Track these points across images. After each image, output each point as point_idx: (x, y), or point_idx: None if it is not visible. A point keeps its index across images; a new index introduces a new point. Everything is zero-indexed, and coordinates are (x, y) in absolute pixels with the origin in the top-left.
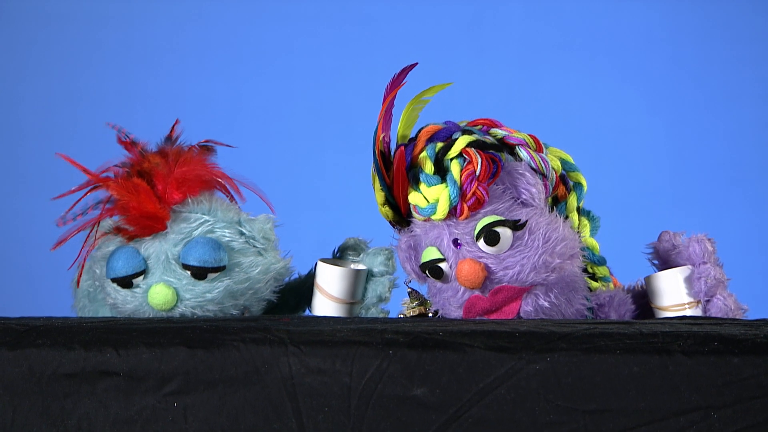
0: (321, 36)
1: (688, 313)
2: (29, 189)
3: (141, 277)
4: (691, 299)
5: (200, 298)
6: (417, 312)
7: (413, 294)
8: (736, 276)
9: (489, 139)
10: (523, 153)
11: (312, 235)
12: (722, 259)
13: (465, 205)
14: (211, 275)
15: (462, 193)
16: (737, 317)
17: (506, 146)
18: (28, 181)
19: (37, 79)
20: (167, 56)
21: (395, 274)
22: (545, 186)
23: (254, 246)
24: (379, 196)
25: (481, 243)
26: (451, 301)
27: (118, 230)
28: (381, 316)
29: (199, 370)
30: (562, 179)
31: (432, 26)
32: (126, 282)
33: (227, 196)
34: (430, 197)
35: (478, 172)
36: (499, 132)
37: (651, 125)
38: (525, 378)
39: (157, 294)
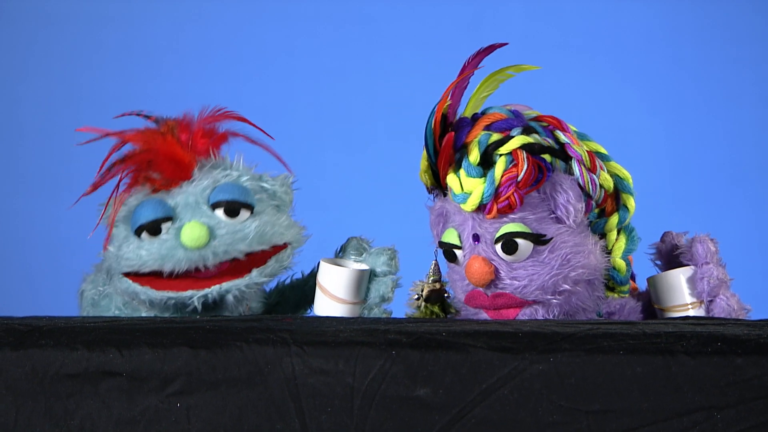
0: (321, 36)
1: (691, 313)
2: (29, 189)
3: (169, 223)
4: (694, 300)
5: (233, 234)
6: (435, 287)
7: (435, 267)
8: (737, 276)
9: (548, 141)
10: (576, 169)
11: (312, 235)
12: (723, 260)
13: (495, 206)
14: (243, 212)
15: (497, 194)
16: (740, 317)
17: (564, 153)
18: (28, 181)
19: (38, 79)
20: (168, 56)
21: (398, 273)
22: (588, 205)
23: (275, 202)
24: (423, 162)
25: (498, 247)
26: (458, 284)
27: (145, 179)
28: (384, 316)
29: (202, 371)
30: (614, 195)
31: (432, 26)
32: (155, 227)
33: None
34: (466, 187)
35: (519, 178)
36: (562, 137)
37: (651, 125)
38: (528, 378)
39: (191, 229)
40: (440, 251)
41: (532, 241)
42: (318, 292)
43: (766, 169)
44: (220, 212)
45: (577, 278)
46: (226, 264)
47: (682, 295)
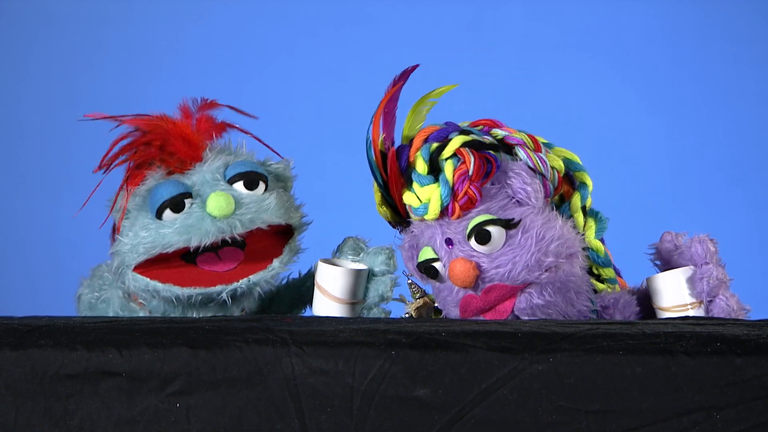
0: (321, 36)
1: (691, 313)
2: (29, 189)
3: (191, 199)
4: (694, 300)
5: (257, 203)
6: (422, 303)
7: (414, 287)
8: (737, 276)
9: (488, 139)
10: (521, 153)
11: (312, 235)
12: (723, 260)
13: (457, 205)
14: (260, 185)
15: (454, 193)
16: (740, 318)
17: (505, 146)
18: (28, 181)
19: (38, 80)
20: (168, 56)
21: (396, 272)
22: (544, 185)
23: (281, 184)
24: (377, 195)
25: (473, 242)
26: (447, 300)
27: (160, 161)
28: (383, 315)
29: (201, 371)
30: (567, 179)
31: (432, 26)
32: (178, 202)
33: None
34: (423, 197)
35: (470, 172)
36: (499, 132)
37: (651, 125)
38: (528, 378)
39: (218, 197)
40: (413, 278)
41: (502, 227)
42: (317, 292)
43: (766, 169)
44: (239, 185)
45: (558, 251)
46: (258, 232)
47: (681, 295)
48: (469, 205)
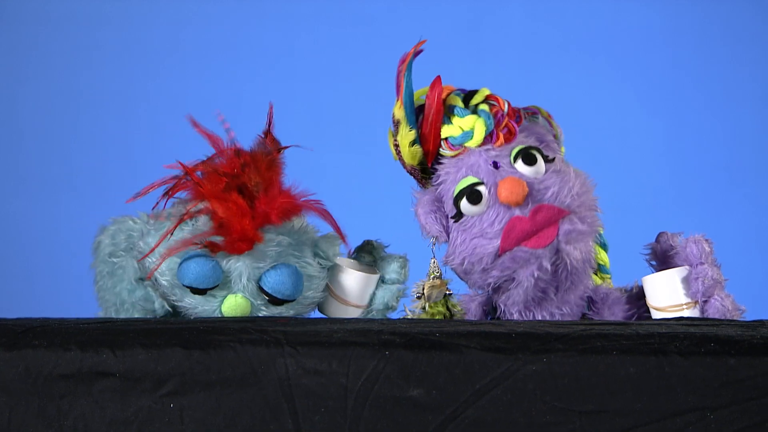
0: (321, 37)
1: (686, 313)
2: (29, 190)
3: (217, 288)
4: (689, 300)
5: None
6: (439, 282)
7: (434, 265)
8: (734, 277)
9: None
10: (540, 119)
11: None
12: (720, 260)
13: (500, 133)
14: (286, 304)
15: (495, 123)
16: (735, 318)
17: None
18: (27, 182)
19: (37, 80)
20: (167, 57)
21: (406, 283)
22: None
23: (323, 266)
24: (408, 136)
25: (519, 164)
26: (487, 232)
27: (210, 245)
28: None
29: (195, 371)
30: None
31: (432, 27)
32: (201, 291)
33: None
34: (465, 126)
35: (506, 110)
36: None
37: (650, 126)
38: (521, 379)
39: (236, 305)
40: (437, 247)
41: (542, 157)
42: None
43: (764, 170)
44: (262, 296)
45: (593, 196)
46: None
47: (676, 295)
48: (509, 137)
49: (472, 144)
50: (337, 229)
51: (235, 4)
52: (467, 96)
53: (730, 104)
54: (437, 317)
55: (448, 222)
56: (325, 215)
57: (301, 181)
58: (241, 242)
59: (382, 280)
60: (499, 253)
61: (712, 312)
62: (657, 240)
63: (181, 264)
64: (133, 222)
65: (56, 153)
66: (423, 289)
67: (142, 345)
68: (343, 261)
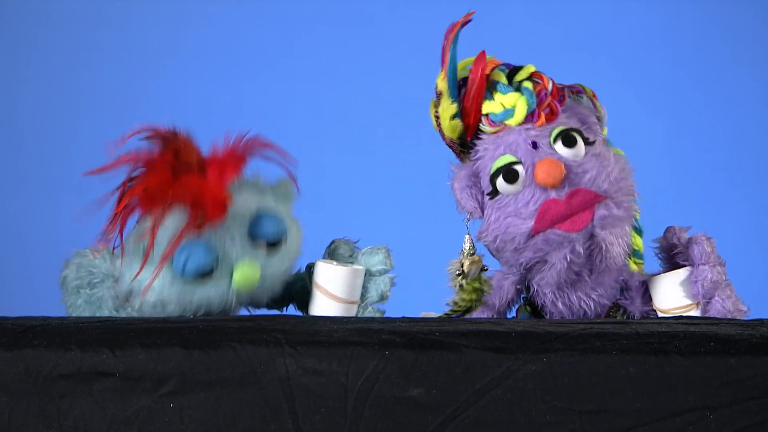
0: (321, 37)
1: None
2: (28, 190)
3: (219, 268)
4: (691, 302)
5: (278, 273)
6: (477, 258)
7: (469, 242)
8: (734, 276)
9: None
10: (584, 99)
11: (310, 236)
12: (723, 259)
13: (542, 112)
14: (282, 245)
15: (538, 102)
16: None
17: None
18: (27, 182)
19: (37, 81)
20: (167, 57)
21: (396, 273)
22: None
23: (287, 205)
24: (450, 109)
25: (558, 145)
26: (521, 212)
27: (192, 227)
28: (377, 315)
29: (195, 371)
30: None
31: (432, 27)
32: (208, 274)
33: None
34: (507, 103)
35: (549, 90)
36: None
37: (650, 126)
38: (521, 378)
39: (245, 271)
40: (471, 221)
41: (583, 140)
42: (315, 293)
43: (765, 170)
44: (261, 247)
45: (631, 182)
46: None
47: (679, 297)
48: (551, 117)
49: (512, 122)
50: (282, 153)
51: (235, 4)
52: (511, 72)
53: (730, 104)
54: (472, 294)
55: (483, 198)
56: (265, 145)
57: (300, 181)
58: (215, 207)
59: (369, 274)
60: (532, 234)
61: (714, 313)
62: (665, 235)
63: (175, 262)
64: (93, 257)
65: (56, 153)
66: (462, 266)
67: (141, 345)
68: (323, 262)
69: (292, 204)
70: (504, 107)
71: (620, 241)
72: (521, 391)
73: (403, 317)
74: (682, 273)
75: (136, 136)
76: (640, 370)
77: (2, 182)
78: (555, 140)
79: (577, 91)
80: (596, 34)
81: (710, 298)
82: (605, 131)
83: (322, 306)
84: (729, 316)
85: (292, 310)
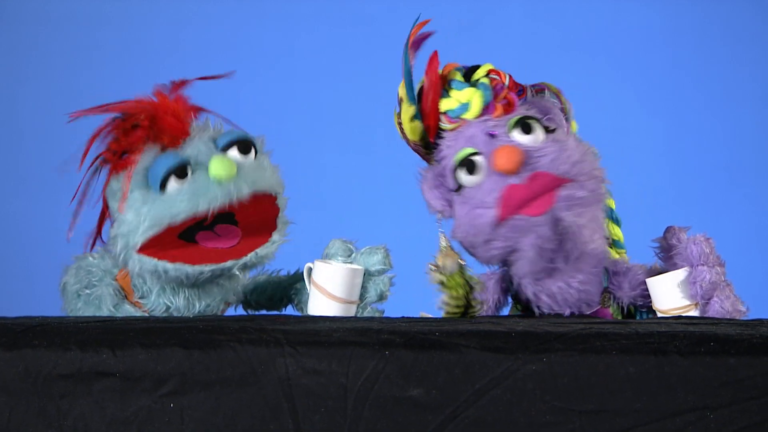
0: (321, 37)
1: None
2: (28, 190)
3: (190, 168)
4: (689, 302)
5: (255, 168)
6: (451, 253)
7: (443, 237)
8: (734, 276)
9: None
10: (547, 94)
11: (310, 236)
12: (723, 259)
13: (498, 104)
14: (252, 151)
15: (494, 94)
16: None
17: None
18: (26, 182)
19: (37, 80)
20: (167, 57)
21: (395, 273)
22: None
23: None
24: (408, 111)
25: (516, 133)
26: (485, 201)
27: (151, 140)
28: (376, 315)
29: (195, 371)
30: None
31: (432, 27)
32: (182, 170)
33: None
34: (463, 98)
35: (506, 83)
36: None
37: (650, 126)
38: (521, 378)
39: (220, 161)
40: (443, 221)
41: (542, 127)
42: (315, 292)
43: (764, 170)
44: (233, 151)
45: (593, 164)
46: (254, 203)
47: (678, 298)
48: (509, 108)
49: (469, 116)
50: (211, 77)
51: (235, 4)
52: (469, 71)
53: (730, 104)
54: (458, 290)
55: (451, 196)
56: (189, 81)
57: (300, 182)
58: (175, 119)
59: (367, 273)
60: (497, 222)
61: (712, 314)
62: (664, 235)
63: (148, 176)
64: (92, 258)
65: (56, 153)
66: (438, 261)
67: (141, 345)
68: (322, 262)
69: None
70: (460, 102)
71: (591, 224)
72: (521, 391)
73: (403, 317)
74: (681, 274)
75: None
76: (639, 370)
77: (2, 182)
78: (513, 128)
79: (539, 89)
80: (596, 34)
81: (709, 299)
82: (574, 125)
83: (321, 306)
84: (727, 317)
85: (290, 310)
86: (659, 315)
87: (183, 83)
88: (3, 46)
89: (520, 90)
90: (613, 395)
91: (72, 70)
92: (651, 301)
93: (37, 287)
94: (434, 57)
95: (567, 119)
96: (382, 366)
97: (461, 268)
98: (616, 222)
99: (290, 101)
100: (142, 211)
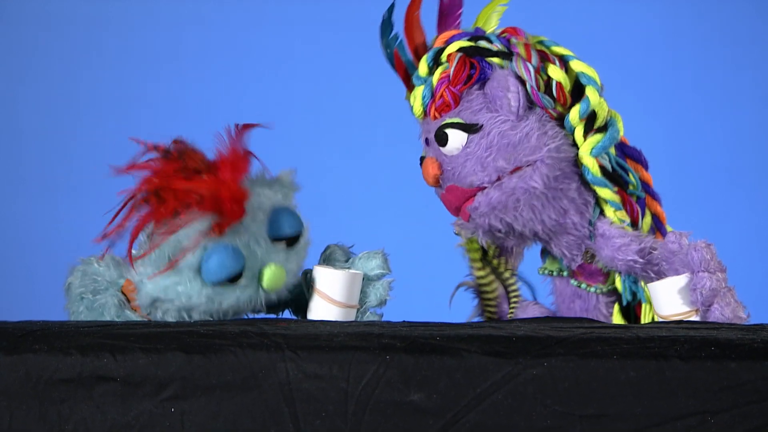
0: (321, 40)
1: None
2: (29, 192)
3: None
4: (689, 309)
5: (296, 265)
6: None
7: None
8: (735, 280)
9: (496, 46)
10: (514, 61)
11: (311, 239)
12: (724, 264)
13: (433, 106)
14: (300, 241)
15: (433, 95)
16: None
17: (510, 54)
18: (27, 185)
19: (37, 83)
20: (168, 60)
21: (395, 277)
22: (535, 96)
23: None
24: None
25: (436, 143)
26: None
27: (214, 227)
28: (376, 319)
29: (196, 376)
30: (575, 92)
31: (432, 28)
32: (237, 278)
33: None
34: (412, 98)
35: (450, 76)
36: (513, 40)
37: (650, 128)
38: (522, 383)
39: (274, 274)
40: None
41: (463, 130)
42: (316, 298)
43: (765, 173)
44: (280, 244)
45: (512, 157)
46: None
47: (678, 304)
48: (445, 108)
49: (415, 115)
50: (257, 126)
51: (235, 8)
52: (437, 53)
53: (731, 107)
54: (475, 254)
55: None
56: (249, 127)
57: (300, 185)
58: (234, 204)
59: (366, 278)
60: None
61: (712, 321)
62: (665, 240)
63: (202, 267)
64: (98, 264)
65: (56, 155)
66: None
67: (142, 349)
68: (322, 267)
69: (294, 194)
70: (411, 103)
71: (531, 215)
72: (522, 395)
73: (404, 321)
74: (681, 280)
75: (139, 157)
76: (640, 374)
77: (2, 185)
78: (435, 137)
79: (514, 51)
80: (596, 37)
81: (709, 306)
82: (557, 73)
83: (321, 310)
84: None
85: (287, 313)
86: (660, 320)
87: (240, 138)
88: (3, 48)
89: (471, 73)
90: (614, 399)
91: (72, 72)
92: (639, 273)
93: (37, 291)
94: (397, 59)
95: (538, 79)
96: (382, 370)
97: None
98: (595, 183)
99: (290, 105)
100: (177, 289)
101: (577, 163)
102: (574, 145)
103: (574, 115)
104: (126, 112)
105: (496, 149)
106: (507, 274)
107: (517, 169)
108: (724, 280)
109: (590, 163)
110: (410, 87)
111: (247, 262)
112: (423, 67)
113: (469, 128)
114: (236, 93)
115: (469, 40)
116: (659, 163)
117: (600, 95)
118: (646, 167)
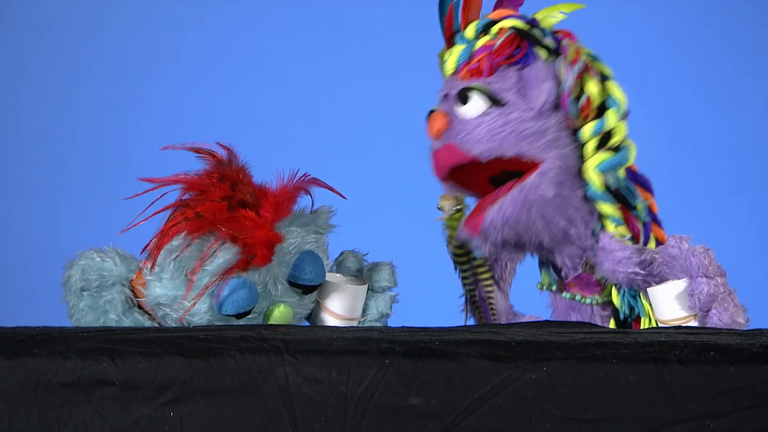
0: (321, 44)
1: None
2: (29, 197)
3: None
4: (687, 313)
5: (307, 309)
6: (450, 197)
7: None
8: (735, 284)
9: (547, 41)
10: (558, 61)
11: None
12: (724, 268)
13: (466, 67)
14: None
15: (471, 57)
16: None
17: (556, 54)
18: (27, 189)
19: (37, 86)
20: (168, 64)
21: (395, 289)
22: (562, 101)
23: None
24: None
25: (456, 101)
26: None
27: (241, 264)
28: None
29: (195, 380)
30: (600, 108)
31: (432, 30)
32: (247, 313)
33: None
34: (448, 54)
35: (495, 46)
36: (564, 41)
37: (650, 133)
38: (521, 387)
39: (282, 314)
40: None
41: (487, 99)
42: (316, 308)
43: (765, 177)
44: (297, 289)
45: (520, 145)
46: None
47: (676, 309)
48: (477, 73)
49: (445, 72)
50: (331, 189)
51: (236, 12)
52: (487, 25)
53: (731, 111)
54: (453, 232)
55: None
56: (316, 182)
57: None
58: (266, 249)
59: (371, 290)
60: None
61: (710, 326)
62: (666, 244)
63: (217, 299)
64: (102, 259)
65: (56, 160)
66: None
67: (141, 354)
68: (329, 273)
69: (329, 224)
70: (446, 58)
71: (543, 223)
72: (521, 399)
73: (403, 327)
74: (680, 284)
75: (192, 153)
76: (639, 378)
77: (2, 189)
78: (457, 94)
79: (562, 52)
80: (595, 41)
81: (707, 311)
82: (593, 87)
83: (322, 322)
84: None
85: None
86: (659, 324)
87: (299, 185)
88: (3, 51)
89: (515, 53)
90: (613, 404)
91: (72, 76)
92: (641, 284)
93: (36, 296)
94: (449, 17)
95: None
96: (382, 375)
97: (460, 211)
98: (595, 198)
99: (290, 109)
100: (184, 304)
101: (580, 175)
102: (581, 158)
103: (587, 129)
104: (126, 117)
105: (511, 129)
106: (485, 276)
107: (516, 159)
108: (724, 285)
109: (594, 177)
110: (450, 44)
111: (259, 301)
112: (471, 30)
113: (495, 100)
114: (236, 96)
115: (525, 23)
116: (660, 167)
117: (619, 119)
118: (653, 195)
